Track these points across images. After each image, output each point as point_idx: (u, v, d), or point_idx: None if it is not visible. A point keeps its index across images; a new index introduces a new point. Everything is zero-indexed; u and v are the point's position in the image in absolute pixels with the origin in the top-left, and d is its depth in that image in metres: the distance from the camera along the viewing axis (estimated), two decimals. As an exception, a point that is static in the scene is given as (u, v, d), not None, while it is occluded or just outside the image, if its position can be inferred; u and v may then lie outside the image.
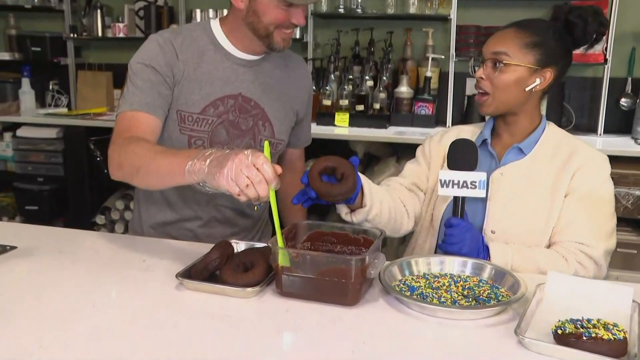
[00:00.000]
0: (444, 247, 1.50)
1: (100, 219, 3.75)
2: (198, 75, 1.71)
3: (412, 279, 1.41)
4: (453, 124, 3.50)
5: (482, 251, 1.51)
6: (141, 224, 1.89)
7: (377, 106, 3.50)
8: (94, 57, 4.30)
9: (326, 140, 3.20)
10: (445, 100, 3.55)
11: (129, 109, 1.64)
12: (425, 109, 3.53)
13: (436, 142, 1.79)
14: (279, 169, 1.28)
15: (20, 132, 3.82)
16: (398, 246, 3.08)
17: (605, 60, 3.29)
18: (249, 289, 1.30)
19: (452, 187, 1.50)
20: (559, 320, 1.13)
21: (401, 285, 1.37)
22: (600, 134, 3.35)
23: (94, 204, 3.80)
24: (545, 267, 1.48)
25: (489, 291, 1.34)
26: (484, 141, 1.68)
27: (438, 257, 1.47)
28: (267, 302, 1.30)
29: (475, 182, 1.49)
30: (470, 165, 1.51)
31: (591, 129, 3.44)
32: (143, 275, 1.43)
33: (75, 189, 3.71)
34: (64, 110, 4.05)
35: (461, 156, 1.52)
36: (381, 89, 3.50)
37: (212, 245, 1.41)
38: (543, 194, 1.58)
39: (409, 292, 1.33)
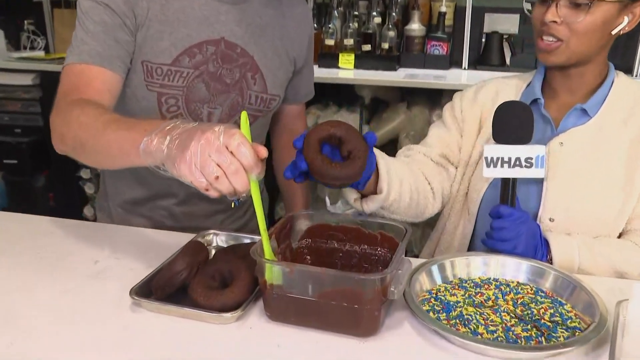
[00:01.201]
0: (491, 244, 1.12)
1: (85, 173, 3.37)
2: (168, 15, 1.29)
3: (446, 289, 1.03)
4: (469, 65, 3.09)
5: (540, 248, 1.13)
6: (108, 202, 1.51)
7: (385, 46, 3.11)
8: (72, -8, 3.80)
9: (329, 85, 2.82)
10: (462, 38, 3.12)
11: (76, 62, 1.23)
12: (438, 48, 3.11)
13: (469, 100, 1.38)
14: (262, 152, 0.89)
15: (-8, 79, 3.38)
16: (421, 231, 2.69)
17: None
18: (227, 315, 0.93)
19: (502, 166, 1.10)
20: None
21: (432, 300, 0.99)
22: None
23: (78, 156, 3.38)
24: (622, 266, 1.11)
25: (552, 310, 0.97)
26: (535, 101, 1.27)
27: (480, 256, 1.10)
28: (253, 330, 0.93)
29: (531, 158, 1.09)
30: (525, 137, 1.11)
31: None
32: (91, 286, 1.06)
33: (56, 140, 3.28)
34: (41, 53, 3.59)
35: (512, 125, 1.12)
36: (390, 26, 3.10)
37: (191, 233, 1.03)
38: (615, 169, 1.19)
39: (444, 314, 0.96)
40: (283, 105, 1.56)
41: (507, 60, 3.07)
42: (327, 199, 2.63)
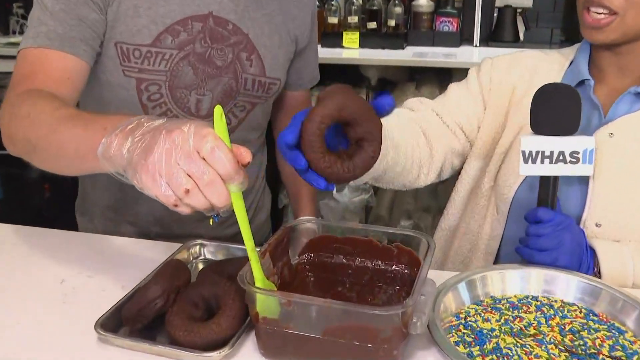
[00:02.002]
0: (527, 254, 0.93)
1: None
2: None
3: (477, 311, 0.84)
4: (481, 42, 2.87)
5: (586, 260, 0.94)
6: (88, 206, 1.32)
7: (391, 23, 2.91)
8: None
9: (332, 66, 2.62)
10: (472, 14, 2.91)
11: (32, 46, 1.03)
12: (448, 25, 2.91)
13: (502, 71, 1.16)
14: (245, 156, 0.70)
15: (-20, 66, 3.19)
16: (432, 217, 2.47)
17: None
18: (211, 355, 0.74)
19: (542, 161, 0.90)
20: None
21: (461, 328, 0.81)
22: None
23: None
24: None
25: (611, 342, 0.78)
26: (581, 83, 1.07)
27: (518, 269, 0.90)
28: (243, 371, 0.75)
29: (577, 152, 0.89)
30: (571, 127, 0.91)
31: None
32: (54, 314, 0.87)
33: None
34: (32, 38, 3.41)
35: (556, 112, 0.91)
36: (396, 2, 2.91)
37: (179, 243, 0.85)
38: None
39: (477, 347, 0.77)
40: (285, 92, 1.35)
41: (521, 36, 2.86)
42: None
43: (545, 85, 0.93)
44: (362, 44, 2.85)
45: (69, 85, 1.03)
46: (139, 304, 0.79)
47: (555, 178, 0.92)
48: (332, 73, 2.79)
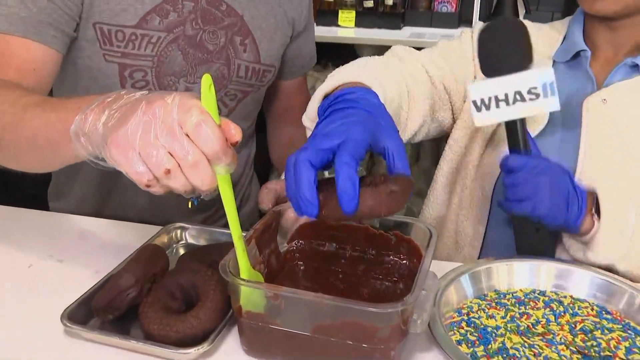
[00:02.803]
0: (508, 208, 0.86)
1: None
2: None
3: (480, 307, 0.77)
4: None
5: (576, 202, 0.85)
6: (60, 192, 1.23)
7: (389, 2, 2.82)
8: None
9: (327, 45, 2.53)
10: (472, -6, 2.82)
11: None
12: (447, 5, 2.83)
13: None
14: (234, 134, 0.62)
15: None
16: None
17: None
18: (188, 351, 0.67)
19: (498, 106, 0.82)
20: None
21: (463, 325, 0.73)
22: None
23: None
24: None
25: (627, 344, 0.71)
26: (578, 54, 0.99)
27: (526, 261, 0.83)
28: (224, 370, 0.68)
29: (535, 88, 0.81)
30: (522, 63, 0.83)
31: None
32: (19, 302, 0.79)
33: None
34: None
35: (503, 50, 0.84)
36: (394, -20, 2.80)
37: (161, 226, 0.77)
38: None
39: (481, 347, 0.70)
40: (278, 82, 1.26)
41: (521, 18, 2.77)
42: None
43: (486, 24, 0.86)
44: (358, 23, 2.77)
45: (34, 77, 0.91)
46: (110, 294, 0.71)
47: (522, 120, 0.85)
48: (328, 52, 2.71)
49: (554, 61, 1.02)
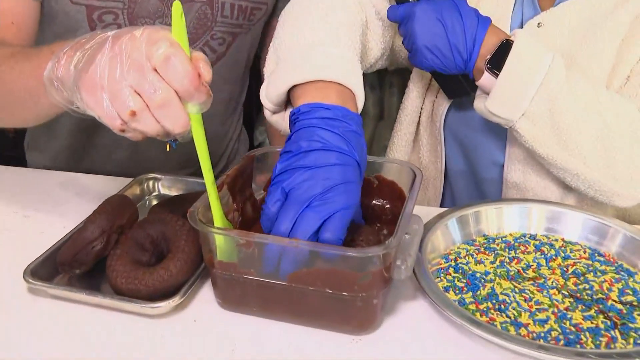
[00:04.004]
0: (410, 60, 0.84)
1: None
2: None
3: (469, 252, 0.73)
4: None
5: (472, 28, 0.78)
6: (36, 143, 1.16)
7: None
8: None
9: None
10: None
11: None
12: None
13: None
14: (204, 73, 0.56)
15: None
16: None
17: None
18: (159, 305, 0.62)
19: None
20: None
21: (450, 271, 0.70)
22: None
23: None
24: (609, 116, 0.79)
25: (620, 285, 0.67)
26: None
27: (517, 204, 0.79)
28: (198, 324, 0.63)
29: None
30: None
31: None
32: (-20, 259, 0.75)
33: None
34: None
35: None
36: None
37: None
38: (605, 52, 0.84)
39: (470, 293, 0.66)
40: (274, 20, 1.16)
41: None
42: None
43: None
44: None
45: (14, 31, 0.86)
46: (74, 247, 0.66)
47: None
48: None
49: None
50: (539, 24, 0.88)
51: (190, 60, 0.55)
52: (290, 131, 0.65)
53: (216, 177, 0.64)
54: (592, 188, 0.81)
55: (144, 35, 0.55)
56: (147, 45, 0.54)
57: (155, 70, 0.54)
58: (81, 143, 1.09)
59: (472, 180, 1.00)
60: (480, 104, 0.81)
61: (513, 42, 0.77)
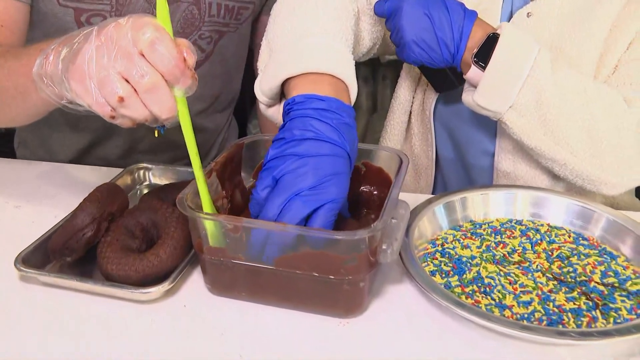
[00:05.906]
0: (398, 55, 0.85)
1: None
2: None
3: (455, 237, 0.74)
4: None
5: (458, 21, 0.79)
6: (24, 138, 1.17)
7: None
8: None
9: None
10: None
11: None
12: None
13: None
14: (188, 58, 0.57)
15: None
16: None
17: None
18: (149, 290, 0.63)
19: None
20: None
21: (437, 256, 0.71)
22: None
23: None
24: (595, 106, 0.79)
25: (603, 267, 0.68)
26: None
27: (503, 190, 0.80)
28: (188, 309, 0.64)
29: None
30: None
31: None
32: (-29, 248, 0.75)
33: None
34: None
35: None
36: None
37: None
38: (594, 40, 0.85)
39: (456, 277, 0.67)
40: (264, 17, 1.14)
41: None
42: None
43: None
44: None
45: (5, 33, 0.86)
46: (65, 234, 0.67)
47: None
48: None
49: None
50: (528, 13, 0.88)
51: (175, 44, 0.56)
52: (284, 121, 0.66)
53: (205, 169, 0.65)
54: (579, 177, 0.82)
55: (129, 22, 0.56)
56: (132, 31, 0.55)
57: (142, 55, 0.55)
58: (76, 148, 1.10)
59: (464, 169, 1.01)
60: (468, 97, 0.81)
61: (499, 35, 0.78)
